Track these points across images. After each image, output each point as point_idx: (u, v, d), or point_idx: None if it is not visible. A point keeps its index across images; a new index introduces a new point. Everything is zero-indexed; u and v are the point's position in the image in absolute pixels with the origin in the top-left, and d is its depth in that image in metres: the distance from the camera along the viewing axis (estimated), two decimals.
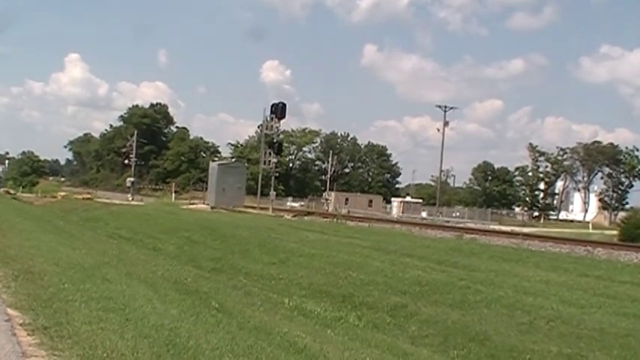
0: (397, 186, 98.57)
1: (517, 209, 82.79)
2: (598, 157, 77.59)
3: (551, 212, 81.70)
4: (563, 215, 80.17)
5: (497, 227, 38.75)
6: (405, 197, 73.63)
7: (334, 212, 40.78)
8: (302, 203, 64.60)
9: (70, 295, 5.77)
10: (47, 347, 4.08)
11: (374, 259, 13.08)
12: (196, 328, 5.25)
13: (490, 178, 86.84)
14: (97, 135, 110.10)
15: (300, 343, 5.66)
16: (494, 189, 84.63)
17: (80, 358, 3.91)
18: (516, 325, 8.07)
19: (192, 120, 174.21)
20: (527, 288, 10.12)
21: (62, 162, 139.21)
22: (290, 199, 69.75)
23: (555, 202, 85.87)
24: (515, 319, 8.30)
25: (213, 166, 39.31)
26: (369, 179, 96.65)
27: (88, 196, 45.67)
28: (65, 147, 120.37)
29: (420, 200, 70.23)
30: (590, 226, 50.41)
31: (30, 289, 6.00)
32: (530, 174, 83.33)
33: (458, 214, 61.50)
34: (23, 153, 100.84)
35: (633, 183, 75.78)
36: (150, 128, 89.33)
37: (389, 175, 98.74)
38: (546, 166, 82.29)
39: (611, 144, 78.46)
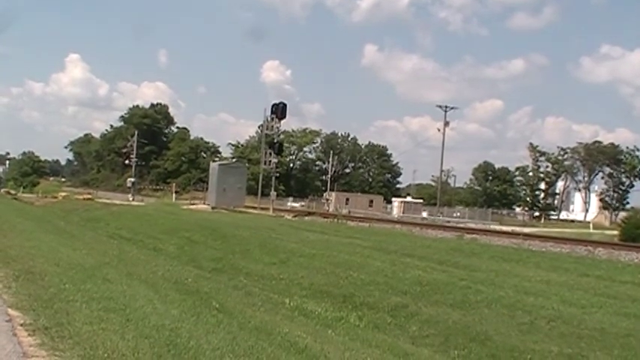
0: (398, 186, 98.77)
1: (518, 209, 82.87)
2: (598, 157, 77.60)
3: (552, 212, 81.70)
4: (563, 215, 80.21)
5: (497, 227, 38.79)
6: (405, 197, 73.73)
7: (335, 212, 40.76)
8: (302, 203, 64.64)
9: (70, 295, 5.79)
10: (48, 347, 4.09)
11: (375, 259, 13.07)
12: (197, 329, 5.25)
13: (491, 178, 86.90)
14: (97, 135, 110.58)
15: (301, 343, 5.67)
16: (495, 189, 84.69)
17: (81, 358, 3.92)
18: (517, 325, 8.06)
19: (193, 120, 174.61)
20: (527, 288, 10.11)
21: (63, 162, 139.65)
22: (290, 199, 69.83)
23: (556, 202, 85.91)
24: (516, 319, 8.29)
25: (213, 166, 39.29)
26: (370, 179, 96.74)
27: (89, 196, 45.60)
28: (66, 147, 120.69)
29: (421, 200, 70.31)
30: (591, 226, 50.36)
31: (31, 289, 6.01)
32: (530, 174, 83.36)
33: (458, 214, 61.55)
34: (24, 153, 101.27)
35: (634, 183, 75.97)
36: (150, 128, 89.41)
37: (389, 175, 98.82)
38: (547, 166, 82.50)
39: (612, 144, 78.70)
